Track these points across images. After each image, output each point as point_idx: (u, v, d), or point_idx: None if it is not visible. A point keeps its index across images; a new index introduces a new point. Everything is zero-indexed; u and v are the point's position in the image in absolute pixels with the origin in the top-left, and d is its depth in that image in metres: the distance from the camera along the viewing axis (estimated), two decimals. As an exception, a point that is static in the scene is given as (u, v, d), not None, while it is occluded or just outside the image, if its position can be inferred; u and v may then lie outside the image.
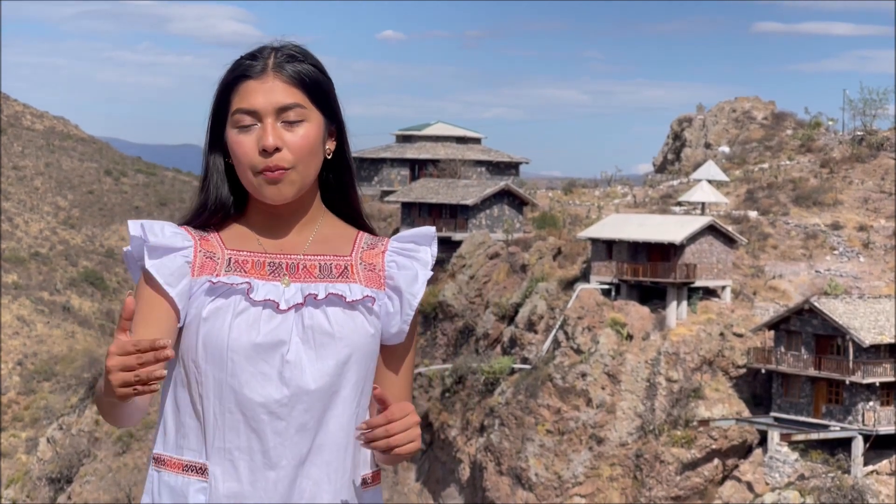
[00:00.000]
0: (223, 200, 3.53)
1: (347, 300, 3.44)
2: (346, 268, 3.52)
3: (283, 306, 3.41)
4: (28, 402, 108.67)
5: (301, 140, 3.44)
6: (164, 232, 3.46)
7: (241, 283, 3.42)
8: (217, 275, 3.44)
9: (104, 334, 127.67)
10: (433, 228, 3.61)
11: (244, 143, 3.43)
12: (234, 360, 3.37)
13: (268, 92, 3.44)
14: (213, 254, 3.48)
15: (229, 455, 3.38)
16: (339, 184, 3.61)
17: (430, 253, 3.57)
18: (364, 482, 3.49)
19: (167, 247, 3.44)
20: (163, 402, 3.49)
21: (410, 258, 3.55)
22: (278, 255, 3.50)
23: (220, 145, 3.52)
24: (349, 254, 3.54)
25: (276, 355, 3.38)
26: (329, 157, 3.55)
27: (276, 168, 3.41)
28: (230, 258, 3.48)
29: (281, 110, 3.43)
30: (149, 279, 3.42)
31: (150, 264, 3.41)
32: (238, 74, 3.48)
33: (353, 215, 3.63)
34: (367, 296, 3.47)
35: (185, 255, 3.45)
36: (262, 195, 3.44)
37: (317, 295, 3.43)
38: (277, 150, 3.41)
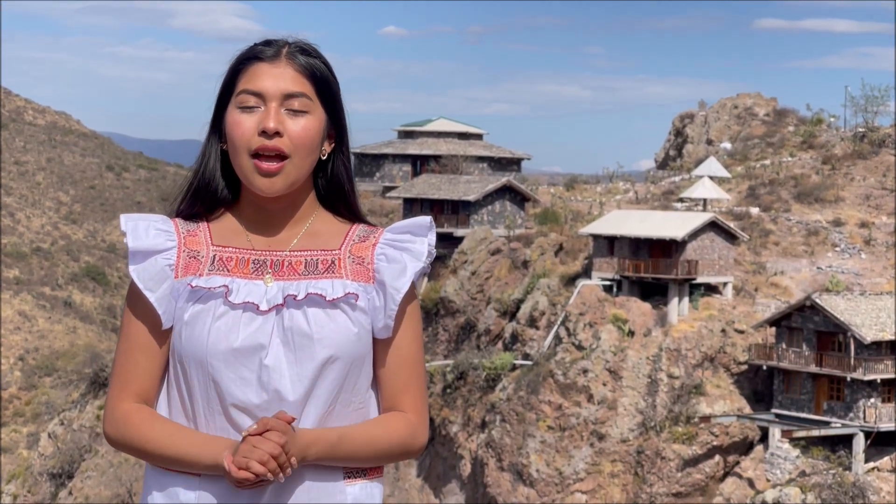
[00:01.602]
0: (213, 184, 3.51)
1: (328, 299, 3.41)
2: (332, 262, 3.49)
3: (263, 307, 3.40)
4: (29, 398, 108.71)
5: (302, 131, 3.42)
6: (149, 233, 3.46)
7: (220, 287, 3.40)
8: (200, 275, 3.44)
9: (105, 329, 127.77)
10: (429, 218, 3.55)
11: (243, 123, 3.42)
12: (213, 366, 3.37)
13: (277, 77, 3.43)
14: (197, 252, 3.47)
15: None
16: (335, 188, 3.57)
17: (426, 243, 3.52)
18: (350, 476, 3.47)
19: (149, 250, 3.45)
20: (158, 401, 3.50)
21: (402, 250, 3.51)
22: (264, 252, 3.48)
23: (219, 130, 3.51)
24: (338, 248, 3.51)
25: (255, 360, 3.37)
26: (324, 159, 3.53)
27: (274, 149, 3.39)
28: (215, 255, 3.47)
29: (287, 97, 3.42)
30: (133, 282, 3.45)
31: (132, 269, 3.44)
32: (250, 56, 3.48)
33: (349, 215, 3.60)
34: (350, 293, 3.43)
35: (168, 257, 3.45)
36: (253, 183, 3.42)
37: (296, 295, 3.40)
38: (278, 134, 3.40)
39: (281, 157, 3.42)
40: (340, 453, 3.39)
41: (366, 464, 3.46)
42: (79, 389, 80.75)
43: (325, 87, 3.49)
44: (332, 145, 3.55)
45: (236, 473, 3.21)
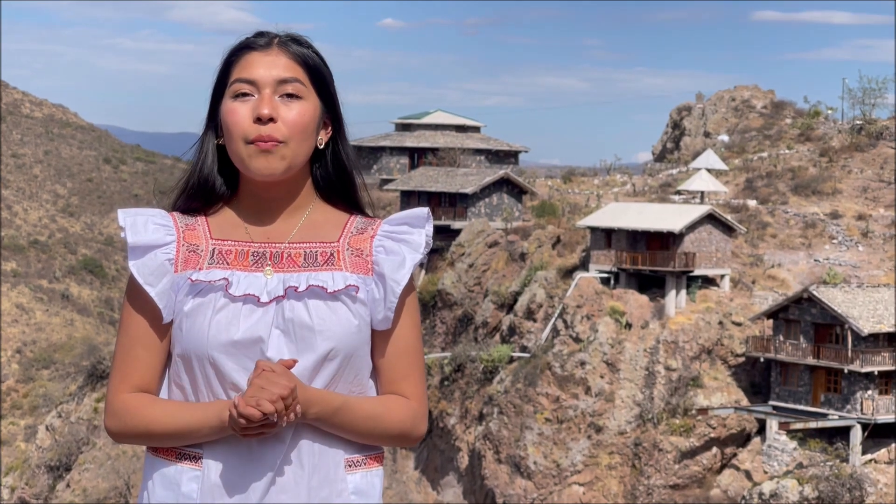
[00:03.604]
0: (210, 179, 3.52)
1: (329, 291, 3.42)
2: (331, 255, 3.49)
3: (263, 299, 3.40)
4: (27, 390, 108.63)
5: (297, 116, 3.43)
6: (148, 228, 3.47)
7: (220, 280, 3.41)
8: (199, 268, 3.44)
9: (103, 322, 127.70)
10: (427, 209, 3.56)
11: (238, 111, 3.42)
12: (215, 358, 3.38)
13: (269, 64, 3.44)
14: (196, 246, 3.48)
15: (221, 446, 3.40)
16: (334, 178, 3.57)
17: (423, 235, 3.53)
18: (351, 465, 3.48)
19: (148, 245, 3.46)
20: (160, 392, 3.51)
21: (400, 242, 3.52)
22: (263, 244, 3.48)
23: (215, 124, 3.53)
24: (337, 239, 3.52)
25: (256, 351, 3.38)
26: (320, 147, 3.53)
27: (268, 138, 3.39)
28: (214, 249, 3.48)
29: (280, 83, 3.43)
30: (133, 277, 3.46)
31: (131, 264, 3.44)
32: (242, 47, 3.49)
33: (346, 206, 3.60)
34: (350, 285, 3.44)
35: (167, 251, 3.46)
36: (249, 167, 3.42)
37: (297, 287, 3.41)
38: (272, 120, 3.40)
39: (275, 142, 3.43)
40: (338, 420, 3.40)
41: (363, 439, 3.46)
42: (76, 382, 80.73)
43: (318, 74, 3.50)
44: (329, 134, 3.55)
45: (244, 409, 3.22)
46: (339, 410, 3.39)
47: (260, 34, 3.51)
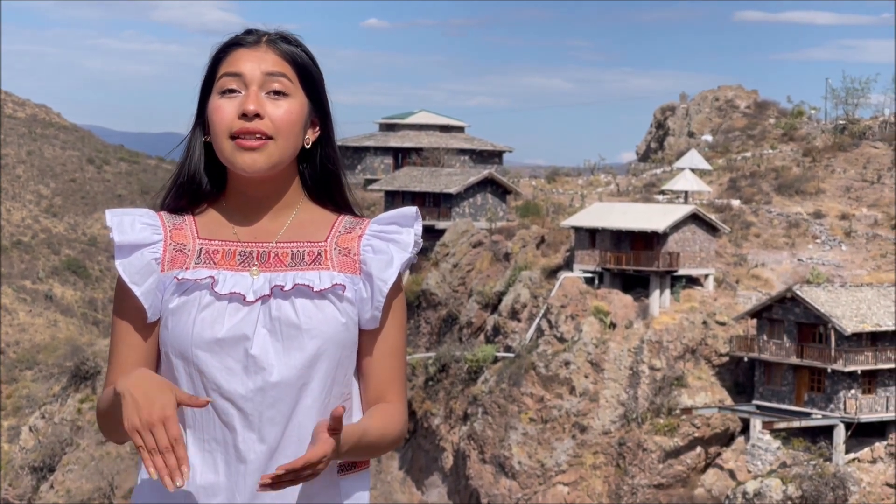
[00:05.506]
0: (198, 177, 3.50)
1: (315, 290, 3.41)
2: (319, 254, 3.48)
3: (250, 298, 3.39)
4: (10, 391, 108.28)
5: (283, 114, 3.41)
6: (135, 227, 3.45)
7: (206, 278, 3.40)
8: (186, 268, 3.43)
9: (86, 323, 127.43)
10: (415, 208, 3.53)
11: (223, 108, 3.41)
12: (198, 356, 3.37)
13: (257, 60, 3.43)
14: (183, 245, 3.47)
15: (208, 447, 3.39)
16: (322, 177, 3.56)
17: (412, 234, 3.50)
18: (343, 469, 3.47)
19: (134, 244, 3.44)
20: None
21: (388, 241, 3.50)
22: (250, 244, 3.47)
23: (202, 122, 3.51)
24: (324, 239, 3.50)
25: (240, 349, 3.37)
26: (307, 147, 3.51)
27: (255, 131, 3.38)
28: (201, 248, 3.47)
29: (267, 76, 3.41)
30: (120, 276, 3.45)
31: (117, 263, 3.43)
32: (231, 43, 3.49)
33: (334, 205, 3.59)
34: (337, 284, 3.43)
35: (154, 250, 3.45)
36: (234, 163, 3.40)
37: (283, 286, 3.40)
38: (258, 116, 3.39)
39: (262, 138, 3.41)
40: (361, 449, 3.38)
41: (369, 456, 3.46)
42: (60, 383, 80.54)
43: (306, 73, 3.48)
44: (317, 134, 3.54)
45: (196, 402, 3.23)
46: (359, 441, 3.36)
47: (249, 32, 3.50)
